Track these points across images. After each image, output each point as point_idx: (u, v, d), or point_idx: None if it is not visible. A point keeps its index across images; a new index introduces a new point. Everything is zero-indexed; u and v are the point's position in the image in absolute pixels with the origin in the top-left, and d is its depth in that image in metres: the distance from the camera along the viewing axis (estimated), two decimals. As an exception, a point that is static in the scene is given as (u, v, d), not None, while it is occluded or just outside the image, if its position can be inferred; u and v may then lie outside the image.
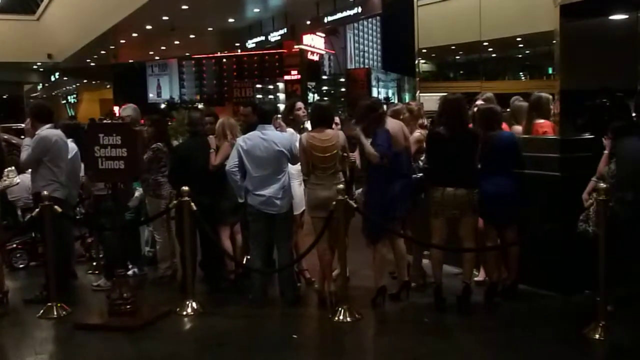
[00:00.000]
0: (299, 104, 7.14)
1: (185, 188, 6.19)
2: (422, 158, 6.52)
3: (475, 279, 6.60)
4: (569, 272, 6.10)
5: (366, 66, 55.70)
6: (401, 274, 6.32)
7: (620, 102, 6.31)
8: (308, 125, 6.66)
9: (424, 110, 7.50)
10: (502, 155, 6.01)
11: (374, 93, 46.76)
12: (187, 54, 39.73)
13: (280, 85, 41.99)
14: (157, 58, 41.61)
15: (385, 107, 7.09)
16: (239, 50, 40.33)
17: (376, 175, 6.02)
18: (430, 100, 8.43)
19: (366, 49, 61.35)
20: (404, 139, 6.16)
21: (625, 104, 6.14)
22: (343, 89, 46.09)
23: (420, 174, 6.38)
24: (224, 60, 43.98)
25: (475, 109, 6.69)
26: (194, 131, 7.03)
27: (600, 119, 6.15)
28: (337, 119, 7.10)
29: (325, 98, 40.61)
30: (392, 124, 6.12)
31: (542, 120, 6.74)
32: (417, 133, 6.63)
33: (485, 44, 9.09)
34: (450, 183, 5.87)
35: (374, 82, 49.23)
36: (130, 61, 39.40)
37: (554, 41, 6.63)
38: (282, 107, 7.96)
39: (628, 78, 6.93)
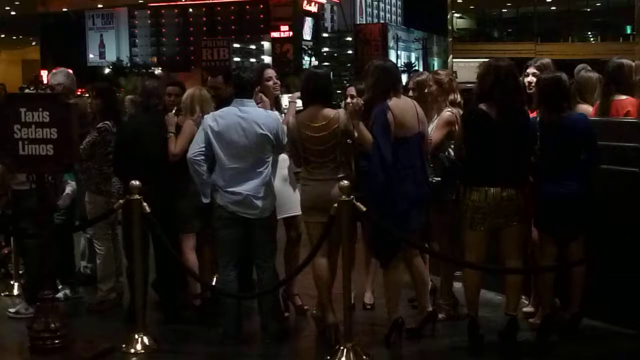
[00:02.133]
0: (270, 72, 7.10)
1: (136, 183, 6.18)
2: (453, 146, 6.52)
3: (524, 309, 6.61)
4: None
5: (382, 21, 55.64)
6: (423, 302, 6.33)
7: None
8: (285, 101, 6.67)
9: (458, 81, 7.49)
10: (570, 145, 6.02)
11: (392, 57, 46.79)
12: (140, 1, 39.71)
13: (266, 45, 42.03)
14: (100, 6, 41.64)
15: (406, 76, 7.11)
16: (211, -3, 40.34)
17: (377, 171, 6.05)
18: (466, 69, 8.42)
19: (382, -3, 61.29)
20: (418, 122, 6.16)
21: None
22: (350, 52, 46.14)
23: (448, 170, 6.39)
24: (191, 10, 44.02)
25: (528, 80, 6.67)
26: (147, 105, 7.03)
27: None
28: (352, 91, 7.05)
29: (326, 63, 40.68)
30: (397, 101, 6.12)
31: (623, 97, 6.74)
32: (448, 112, 6.62)
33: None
34: (497, 182, 5.87)
35: (391, 43, 49.22)
36: (65, 10, 39.40)
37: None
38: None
39: None
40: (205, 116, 6.46)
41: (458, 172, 6.29)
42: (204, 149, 6.23)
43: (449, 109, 6.64)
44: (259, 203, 6.25)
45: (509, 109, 5.91)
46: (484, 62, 6.29)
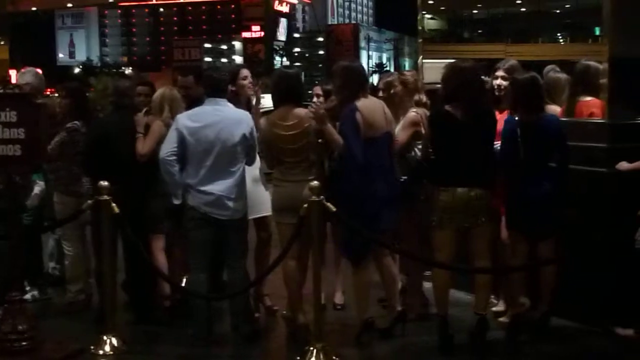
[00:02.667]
0: (245, 72, 7.10)
1: (104, 183, 6.15)
2: (419, 147, 6.54)
3: (494, 309, 6.65)
4: (620, 301, 6.17)
5: (353, 21, 55.75)
6: (393, 302, 6.36)
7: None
8: (267, 101, 6.68)
9: (425, 82, 7.53)
10: (545, 145, 6.07)
11: (364, 57, 46.92)
12: (111, 0, 39.51)
13: (237, 45, 41.92)
14: (69, 5, 41.36)
15: (377, 77, 7.15)
16: (182, -3, 40.21)
17: (349, 171, 6.06)
18: (434, 69, 8.47)
19: (354, -3, 61.41)
20: (386, 122, 6.18)
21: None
22: (322, 52, 46.19)
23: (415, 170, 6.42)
24: (162, 10, 43.85)
25: (497, 83, 6.70)
26: (119, 104, 7.00)
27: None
28: (318, 90, 7.11)
29: (298, 64, 40.67)
30: (365, 102, 6.14)
31: (589, 98, 6.80)
32: (413, 113, 6.64)
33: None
34: (465, 182, 5.90)
35: (363, 43, 49.38)
36: (34, 9, 39.10)
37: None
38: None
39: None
40: (178, 116, 6.42)
41: (424, 173, 6.32)
42: (176, 149, 6.19)
43: (414, 110, 6.68)
44: (231, 204, 6.23)
45: (474, 110, 5.95)
46: (448, 63, 6.35)
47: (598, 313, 6.29)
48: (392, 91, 6.73)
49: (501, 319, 6.54)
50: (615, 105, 6.53)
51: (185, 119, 6.27)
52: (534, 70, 6.71)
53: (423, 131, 6.50)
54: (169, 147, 6.21)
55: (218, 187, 6.19)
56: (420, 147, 6.49)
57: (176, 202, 6.35)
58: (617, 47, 6.53)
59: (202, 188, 6.19)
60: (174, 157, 6.18)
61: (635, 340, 5.97)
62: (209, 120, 6.21)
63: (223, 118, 6.23)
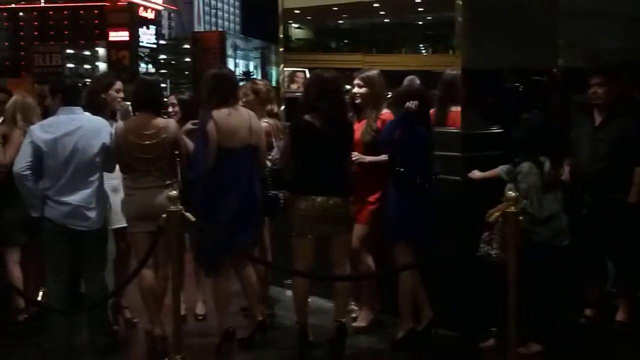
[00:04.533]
0: (120, 84, 6.95)
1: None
2: (273, 155, 6.59)
3: (354, 324, 6.72)
4: (471, 305, 6.36)
5: (220, 29, 55.52)
6: (254, 310, 6.37)
7: (536, 87, 6.69)
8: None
9: (286, 90, 7.58)
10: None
11: (231, 65, 46.72)
12: (-33, 3, 38.09)
13: (101, 51, 40.99)
14: None
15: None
16: (42, 1, 39.15)
17: (196, 181, 6.07)
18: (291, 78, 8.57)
19: (220, 5, 61.21)
20: (250, 133, 6.14)
21: (542, 89, 6.51)
22: (188, 59, 45.73)
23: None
24: (21, 14, 42.48)
25: (353, 91, 6.76)
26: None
27: (512, 108, 6.48)
28: (173, 99, 7.08)
29: (163, 71, 40.19)
30: (226, 112, 6.08)
31: (458, 108, 6.99)
32: (264, 123, 6.66)
33: (375, 5, 9.26)
34: (324, 190, 5.97)
35: (230, 51, 49.10)
36: None
37: (458, 3, 6.90)
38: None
39: (545, 55, 7.38)
40: (32, 127, 6.22)
41: (283, 182, 6.37)
42: (31, 162, 5.99)
43: (266, 120, 6.71)
44: (89, 214, 6.10)
45: (334, 120, 6.03)
46: (314, 72, 6.43)
47: (453, 317, 6.42)
48: (244, 99, 6.72)
49: (355, 324, 6.67)
50: (467, 116, 6.75)
51: (39, 131, 6.08)
52: (395, 81, 6.88)
53: (274, 141, 6.56)
54: (23, 161, 6.00)
55: (76, 198, 6.06)
56: (272, 156, 6.55)
57: (35, 214, 6.16)
58: (469, 59, 6.77)
59: (60, 199, 6.04)
60: (30, 171, 6.00)
61: (499, 348, 5.97)
62: (65, 129, 6.06)
63: (80, 127, 6.10)
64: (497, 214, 5.26)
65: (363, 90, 6.58)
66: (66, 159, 6.05)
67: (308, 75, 8.80)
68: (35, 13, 42.12)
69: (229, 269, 6.18)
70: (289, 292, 6.96)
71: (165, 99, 7.42)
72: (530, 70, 7.12)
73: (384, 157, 6.32)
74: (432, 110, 6.68)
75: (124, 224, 6.59)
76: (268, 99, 6.94)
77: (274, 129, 6.65)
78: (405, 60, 8.98)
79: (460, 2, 6.81)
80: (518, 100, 6.76)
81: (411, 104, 6.05)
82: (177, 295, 5.82)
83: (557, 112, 7.32)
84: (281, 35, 9.13)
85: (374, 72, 6.68)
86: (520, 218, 5.21)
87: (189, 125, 6.41)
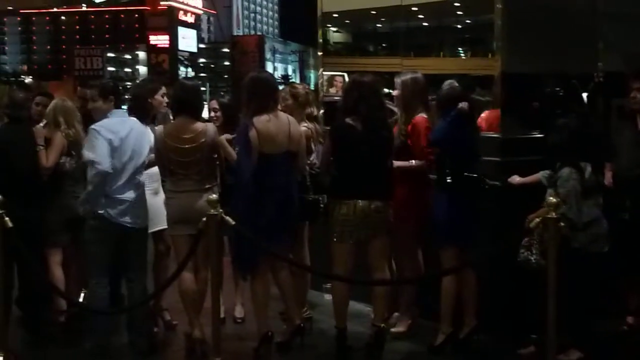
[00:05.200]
0: (164, 90, 7.00)
1: (-2, 197, 6.02)
2: (312, 159, 6.58)
3: (393, 329, 6.68)
4: (510, 311, 6.32)
5: (259, 32, 55.77)
6: (291, 315, 6.37)
7: (576, 91, 6.64)
8: None
9: (325, 94, 7.57)
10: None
11: (269, 69, 46.90)
12: (10, 7, 38.63)
13: (141, 55, 41.41)
14: (-34, 12, 40.25)
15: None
16: (84, 5, 39.58)
17: (238, 186, 6.09)
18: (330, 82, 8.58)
19: (259, 9, 61.49)
20: (289, 139, 6.12)
21: (582, 93, 6.46)
22: (227, 63, 46.01)
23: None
24: (63, 18, 43.04)
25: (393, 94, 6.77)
26: (15, 116, 6.85)
27: (551, 113, 6.44)
28: (214, 104, 7.11)
29: (202, 74, 40.48)
30: (266, 118, 6.05)
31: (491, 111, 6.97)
32: (304, 127, 6.65)
33: (414, 8, 9.26)
34: (365, 195, 5.97)
35: (268, 55, 49.36)
36: None
37: (497, 6, 6.88)
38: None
39: (585, 59, 7.34)
40: (98, 128, 6.19)
41: (322, 186, 6.36)
42: (111, 160, 6.09)
43: (305, 124, 6.69)
44: (140, 212, 6.27)
45: (374, 123, 6.03)
46: (352, 76, 6.43)
47: (499, 327, 6.37)
48: (283, 104, 6.72)
49: (394, 330, 6.63)
50: (505, 120, 6.71)
51: (106, 132, 6.15)
52: (434, 84, 6.86)
53: (313, 146, 6.56)
54: (107, 159, 6.07)
55: (131, 195, 6.21)
56: (311, 161, 6.55)
57: (99, 211, 6.17)
58: (508, 63, 6.74)
59: (118, 196, 6.16)
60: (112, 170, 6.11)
61: (539, 355, 5.87)
62: (124, 131, 6.19)
63: (132, 129, 6.25)
64: (537, 219, 5.22)
65: (396, 93, 6.57)
66: (128, 158, 6.19)
67: (347, 79, 8.80)
68: (76, 17, 42.66)
69: (266, 273, 6.18)
70: (327, 296, 6.95)
71: (205, 103, 7.44)
72: (569, 74, 7.05)
73: (413, 162, 6.32)
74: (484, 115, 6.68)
75: (163, 227, 6.64)
76: (307, 102, 6.91)
77: (314, 133, 6.65)
78: (444, 64, 8.95)
79: (500, 6, 6.78)
80: (557, 105, 6.71)
81: (463, 105, 6.05)
82: (216, 298, 5.84)
83: (597, 117, 7.25)
84: (320, 40, 9.14)
85: (407, 76, 6.64)
86: (561, 224, 5.15)
87: (227, 136, 6.40)
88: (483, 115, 6.96)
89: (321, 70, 9.09)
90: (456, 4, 8.99)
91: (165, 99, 6.91)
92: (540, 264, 5.51)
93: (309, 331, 6.63)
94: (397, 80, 6.63)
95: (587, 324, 6.01)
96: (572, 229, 5.75)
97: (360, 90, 6.10)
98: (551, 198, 5.23)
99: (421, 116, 6.48)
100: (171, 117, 6.65)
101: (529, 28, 6.86)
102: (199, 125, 6.19)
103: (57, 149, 6.64)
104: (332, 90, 8.65)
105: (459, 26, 9.31)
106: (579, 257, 5.79)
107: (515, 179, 6.25)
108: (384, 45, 10.40)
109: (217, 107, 7.10)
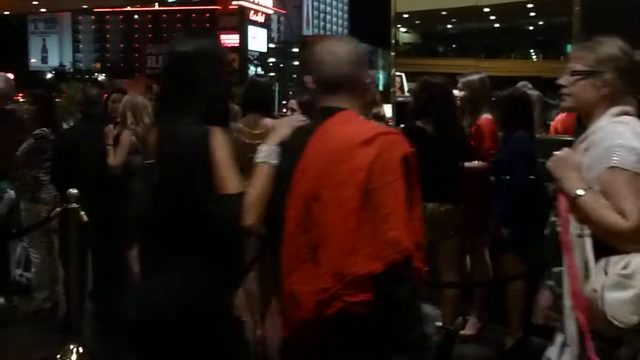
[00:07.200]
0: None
1: (73, 191, 6.12)
2: None
3: (462, 332, 6.60)
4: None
5: (328, 32, 55.89)
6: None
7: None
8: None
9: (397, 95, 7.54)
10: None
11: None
12: (85, 6, 39.30)
13: (212, 53, 41.77)
14: (43, 10, 41.04)
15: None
16: (157, 5, 40.12)
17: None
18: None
19: (329, 9, 61.62)
20: None
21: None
22: (296, 62, 46.21)
23: None
24: (136, 17, 43.73)
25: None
26: (89, 113, 6.96)
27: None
28: (293, 104, 7.10)
29: (272, 74, 40.71)
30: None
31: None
32: None
33: (485, 10, 9.19)
34: (434, 197, 5.94)
35: (338, 55, 49.49)
36: (5, 13, 38.81)
37: (576, 9, 6.79)
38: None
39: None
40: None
41: None
42: None
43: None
44: None
45: (445, 125, 6.00)
46: (423, 78, 6.40)
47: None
48: None
49: (462, 332, 6.56)
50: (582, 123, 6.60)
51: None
52: (506, 86, 6.79)
53: None
54: None
55: None
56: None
57: None
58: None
59: None
60: None
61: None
62: None
63: None
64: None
65: (462, 94, 6.53)
66: None
67: (404, 80, 8.76)
68: (149, 16, 43.31)
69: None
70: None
71: (274, 101, 7.46)
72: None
73: (476, 163, 6.30)
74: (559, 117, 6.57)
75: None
76: (374, 102, 6.91)
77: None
78: (515, 66, 8.87)
79: (578, 8, 6.68)
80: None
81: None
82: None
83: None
84: (393, 41, 9.12)
85: (474, 77, 6.59)
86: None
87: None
88: (558, 117, 6.88)
89: (393, 70, 9.07)
90: (529, 6, 8.90)
91: None
92: None
93: None
94: (462, 81, 6.58)
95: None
96: None
97: (430, 92, 6.08)
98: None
99: (486, 117, 6.43)
100: (240, 115, 6.70)
101: (607, 31, 6.74)
102: (269, 121, 6.21)
103: (124, 147, 6.67)
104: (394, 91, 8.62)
105: (530, 28, 9.22)
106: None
107: None
108: (453, 46, 10.35)
109: (295, 107, 7.10)
